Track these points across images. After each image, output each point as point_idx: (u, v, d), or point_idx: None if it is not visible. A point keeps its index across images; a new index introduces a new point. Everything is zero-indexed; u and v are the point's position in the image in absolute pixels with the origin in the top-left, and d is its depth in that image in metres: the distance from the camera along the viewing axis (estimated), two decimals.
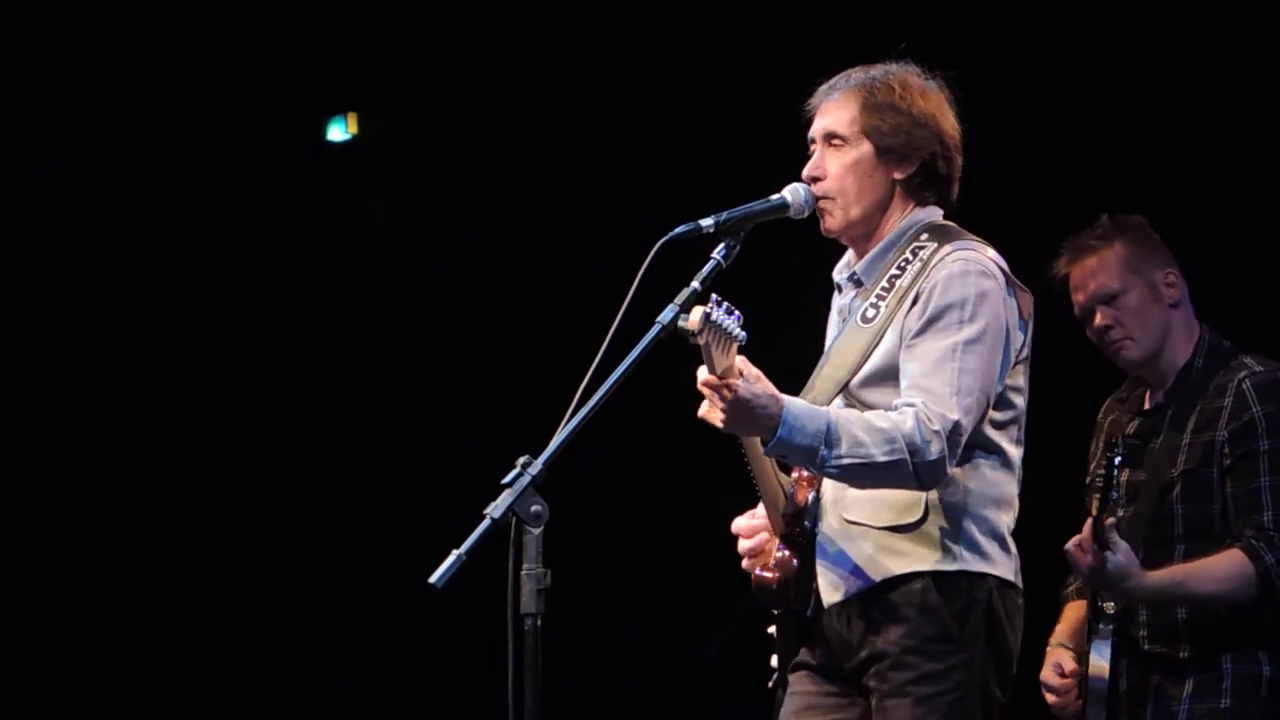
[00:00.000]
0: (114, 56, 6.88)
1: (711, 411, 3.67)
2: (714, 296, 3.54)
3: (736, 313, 3.56)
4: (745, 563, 3.96)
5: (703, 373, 3.63)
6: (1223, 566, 4.38)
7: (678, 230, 3.66)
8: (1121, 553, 4.27)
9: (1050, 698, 4.59)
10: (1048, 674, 4.61)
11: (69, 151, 7.00)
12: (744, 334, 3.57)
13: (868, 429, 3.66)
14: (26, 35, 6.81)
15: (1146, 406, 4.63)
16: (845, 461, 3.65)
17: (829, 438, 3.64)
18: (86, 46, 6.86)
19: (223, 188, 7.17)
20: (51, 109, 6.94)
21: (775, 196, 3.84)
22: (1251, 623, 4.43)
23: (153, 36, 6.86)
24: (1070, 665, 4.58)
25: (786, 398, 3.66)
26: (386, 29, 6.95)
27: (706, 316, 3.52)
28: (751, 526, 3.96)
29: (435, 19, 6.91)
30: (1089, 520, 4.27)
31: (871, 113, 3.88)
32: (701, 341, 3.55)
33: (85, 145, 7.00)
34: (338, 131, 7.34)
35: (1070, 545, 4.29)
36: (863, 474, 3.70)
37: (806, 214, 3.87)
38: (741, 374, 3.62)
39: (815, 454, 3.65)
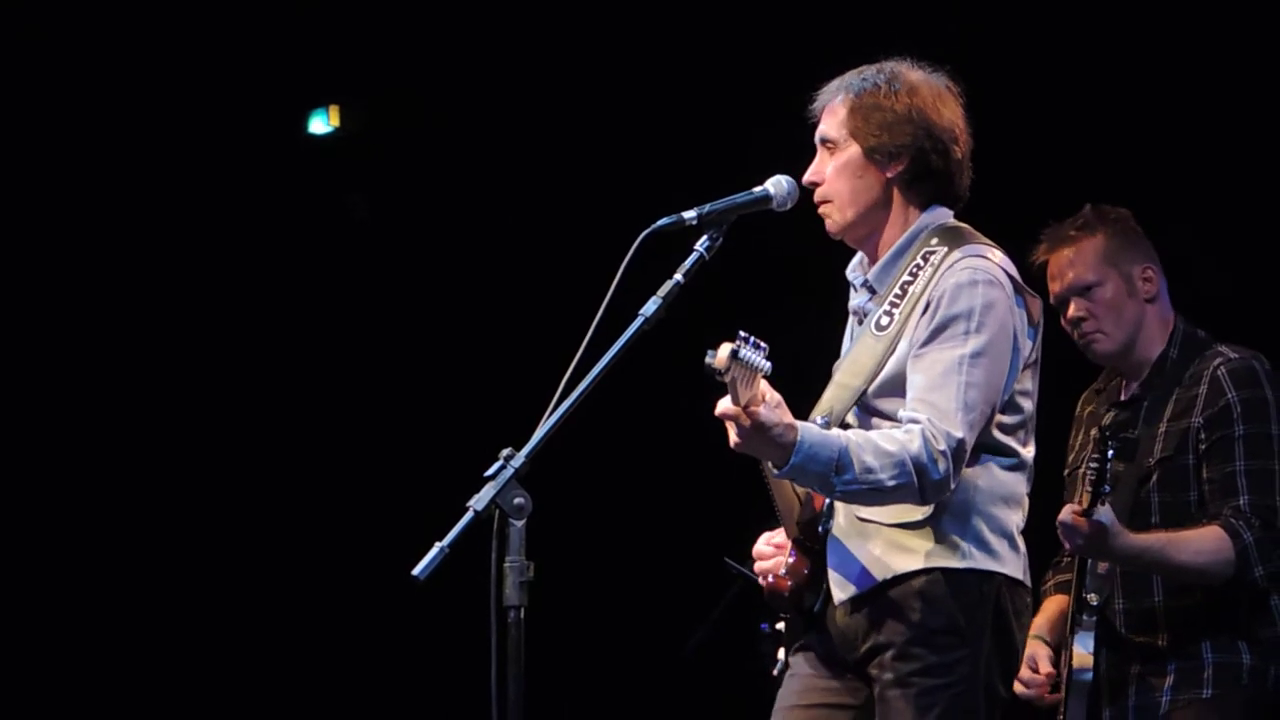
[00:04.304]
0: (92, 50, 6.87)
1: (729, 431, 3.66)
2: (740, 333, 3.51)
3: (764, 346, 3.53)
4: (763, 581, 3.98)
5: (725, 402, 3.61)
6: (1203, 539, 4.38)
7: (660, 222, 3.66)
8: (1108, 509, 4.28)
9: (1019, 689, 4.60)
10: (1020, 666, 4.61)
11: (46, 146, 6.98)
12: (769, 365, 3.54)
13: (877, 454, 3.67)
14: (3, 27, 6.78)
15: (1123, 398, 4.64)
16: (854, 487, 3.68)
17: (839, 464, 3.65)
18: (65, 40, 6.84)
19: (203, 181, 7.16)
20: (29, 105, 6.91)
21: (758, 189, 3.82)
22: (1229, 609, 4.44)
23: (132, 29, 6.84)
24: (1045, 667, 4.59)
25: (801, 425, 3.66)
26: (368, 20, 6.94)
27: (734, 354, 3.50)
28: (771, 552, 3.98)
29: (417, 9, 6.90)
30: (1081, 501, 4.27)
31: (857, 113, 3.88)
32: (728, 379, 3.54)
33: (63, 140, 6.98)
34: (319, 124, 7.33)
35: (1066, 515, 4.29)
36: (871, 498, 3.73)
37: (789, 206, 3.86)
38: (764, 398, 3.61)
39: (826, 480, 3.67)
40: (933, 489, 3.69)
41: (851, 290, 4.01)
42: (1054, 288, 4.65)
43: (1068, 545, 4.37)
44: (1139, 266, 4.62)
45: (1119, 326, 4.61)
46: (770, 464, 3.72)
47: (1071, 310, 4.63)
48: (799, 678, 3.94)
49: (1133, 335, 4.61)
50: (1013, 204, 4.99)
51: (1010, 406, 3.83)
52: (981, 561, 3.79)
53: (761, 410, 3.59)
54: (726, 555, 4.78)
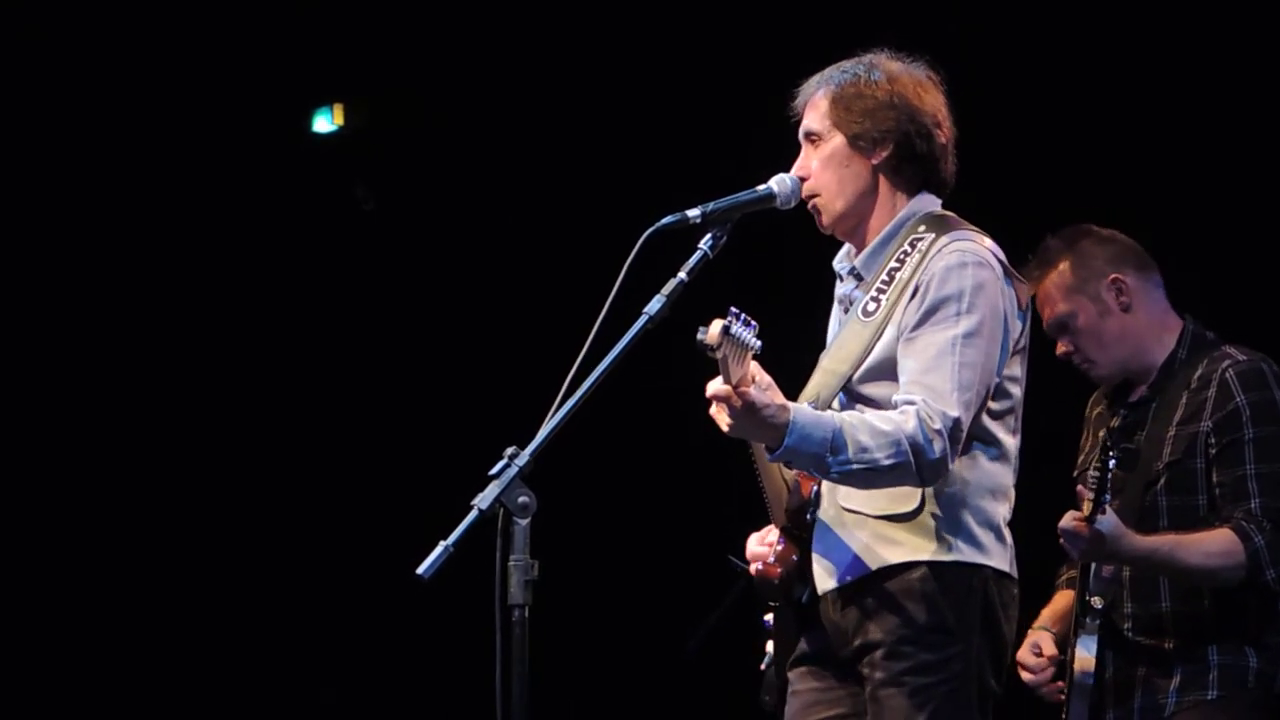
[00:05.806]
0: (98, 50, 6.87)
1: (719, 414, 3.66)
2: (731, 309, 3.52)
3: (753, 324, 3.54)
4: (753, 568, 3.98)
5: (715, 383, 3.61)
6: (1214, 541, 4.37)
7: (664, 221, 3.66)
8: (1110, 515, 4.28)
9: (1025, 675, 4.60)
10: (1024, 654, 4.62)
11: (52, 145, 6.98)
12: (760, 344, 3.55)
13: (872, 433, 3.65)
14: (6, 27, 6.78)
15: (1132, 399, 4.64)
16: (850, 468, 3.66)
17: (834, 445, 3.64)
18: (69, 40, 6.84)
19: (207, 180, 7.16)
20: (33, 103, 6.91)
21: (761, 187, 3.83)
22: (1237, 614, 4.44)
23: (137, 29, 6.84)
24: (1049, 649, 4.60)
25: (794, 405, 3.66)
26: (371, 20, 6.94)
27: (725, 330, 3.50)
28: (765, 552, 3.97)
29: (419, 9, 6.90)
30: (1083, 508, 4.27)
31: (839, 104, 3.89)
32: (719, 355, 3.54)
33: (70, 139, 6.98)
34: (323, 123, 7.33)
35: (1067, 522, 4.28)
36: (868, 478, 3.71)
37: (794, 204, 3.87)
38: (754, 380, 3.61)
39: (821, 461, 3.66)
40: (929, 469, 3.68)
41: (837, 279, 4.01)
42: (1044, 326, 4.65)
43: (1070, 551, 4.36)
44: (1105, 280, 4.59)
45: (1103, 349, 4.60)
46: (764, 446, 3.72)
47: (1059, 349, 4.64)
48: (799, 694, 3.94)
49: (1122, 350, 4.60)
50: (1012, 203, 5.00)
51: (999, 392, 3.82)
52: (969, 554, 3.79)
53: (752, 391, 3.59)
54: (730, 553, 4.78)
